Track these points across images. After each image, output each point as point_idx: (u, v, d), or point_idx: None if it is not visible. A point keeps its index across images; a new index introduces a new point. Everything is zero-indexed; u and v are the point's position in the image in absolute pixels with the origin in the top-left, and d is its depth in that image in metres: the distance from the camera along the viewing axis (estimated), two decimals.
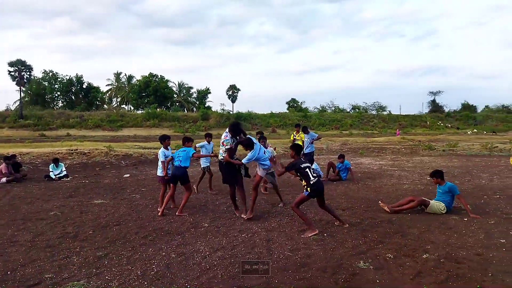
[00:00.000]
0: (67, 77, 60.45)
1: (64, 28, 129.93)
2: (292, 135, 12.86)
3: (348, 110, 65.60)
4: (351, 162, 13.62)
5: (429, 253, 4.68)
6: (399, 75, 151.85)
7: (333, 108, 66.31)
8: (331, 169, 11.24)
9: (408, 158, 17.76)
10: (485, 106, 75.36)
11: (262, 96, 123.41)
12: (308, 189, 5.57)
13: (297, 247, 4.97)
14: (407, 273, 4.09)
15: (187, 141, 7.25)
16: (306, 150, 11.04)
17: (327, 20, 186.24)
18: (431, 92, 72.58)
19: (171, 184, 7.15)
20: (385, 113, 62.47)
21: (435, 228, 5.81)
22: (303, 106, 67.76)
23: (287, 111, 59.80)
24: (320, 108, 66.66)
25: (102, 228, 6.04)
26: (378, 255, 4.65)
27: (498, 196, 8.22)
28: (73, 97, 61.79)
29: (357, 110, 64.35)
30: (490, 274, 4.01)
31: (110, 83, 73.97)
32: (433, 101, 71.66)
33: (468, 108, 68.69)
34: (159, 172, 7.45)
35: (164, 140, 7.49)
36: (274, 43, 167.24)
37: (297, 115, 53.26)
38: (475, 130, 45.47)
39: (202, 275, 4.11)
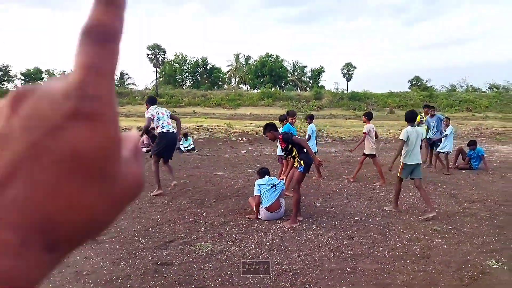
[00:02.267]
0: (194, 59, 66.42)
1: (194, 12, 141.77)
2: (419, 116, 11.43)
3: (484, 90, 57.00)
4: (485, 149, 11.96)
5: None
6: None
7: (465, 87, 58.46)
8: (460, 156, 10.08)
9: None
10: None
11: (380, 74, 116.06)
12: (302, 162, 5.04)
13: (417, 237, 4.67)
14: None
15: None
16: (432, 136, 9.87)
17: None
18: None
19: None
20: None
21: None
22: (428, 84, 61.42)
23: (409, 90, 55.01)
24: (449, 87, 59.47)
25: (223, 198, 6.63)
26: None
27: None
28: (198, 77, 67.80)
29: (495, 89, 55.42)
30: None
31: (230, 64, 78.64)
32: None
33: None
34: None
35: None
36: (399, 14, 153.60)
37: (421, 95, 48.57)
38: None
39: (314, 252, 4.21)
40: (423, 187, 5.77)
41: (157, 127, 6.58)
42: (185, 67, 67.84)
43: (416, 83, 61.67)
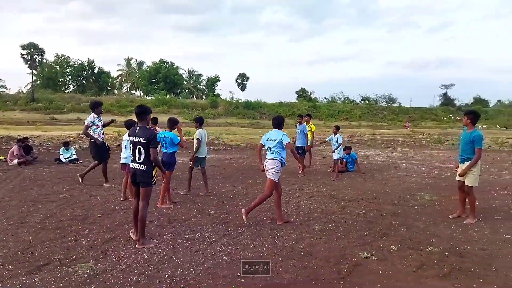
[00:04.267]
0: (79, 61, 60.79)
1: (78, 12, 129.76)
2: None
3: (358, 101, 64.91)
4: (359, 153, 13.57)
5: (433, 246, 4.69)
6: (412, 67, 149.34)
7: (343, 99, 65.68)
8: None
9: (417, 151, 17.62)
10: (498, 100, 73.94)
11: (271, 85, 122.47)
12: None
13: (302, 237, 5.01)
14: (410, 265, 4.11)
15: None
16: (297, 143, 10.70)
17: (342, 9, 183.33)
18: (443, 85, 71.24)
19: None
20: (395, 105, 61.57)
21: (440, 222, 5.81)
22: (313, 96, 67.22)
23: (296, 101, 59.42)
24: (330, 99, 66.09)
25: (110, 212, 6.15)
26: (382, 246, 4.67)
27: (506, 191, 8.16)
28: (84, 81, 62.18)
29: (366, 101, 63.63)
30: (493, 269, 4.01)
31: (120, 68, 74.19)
32: (445, 94, 70.45)
33: (479, 102, 67.38)
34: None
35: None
36: (287, 31, 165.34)
37: (306, 105, 52.92)
38: (483, 126, 44.63)
39: (207, 260, 4.18)
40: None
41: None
42: (67, 70, 61.60)
43: (302, 94, 66.98)
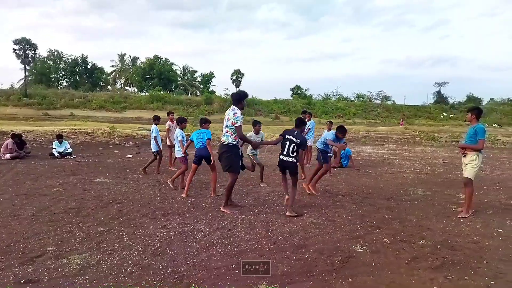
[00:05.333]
0: (72, 57, 60.29)
1: (73, 7, 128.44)
2: None
3: (352, 99, 65.18)
4: (353, 150, 13.63)
5: (425, 239, 4.74)
6: (406, 65, 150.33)
7: (337, 96, 65.90)
8: (333, 156, 11.26)
9: (410, 148, 17.74)
10: (490, 98, 74.65)
11: (266, 82, 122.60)
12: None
13: (296, 230, 5.04)
14: (403, 257, 4.15)
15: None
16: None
17: (339, 8, 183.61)
18: (437, 83, 71.87)
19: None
20: (389, 103, 61.98)
21: (433, 215, 5.86)
22: (307, 93, 67.38)
23: (291, 98, 59.51)
24: (324, 96, 66.27)
25: (104, 205, 6.13)
26: (375, 239, 4.71)
27: (498, 187, 8.25)
28: (77, 77, 61.68)
29: (361, 99, 63.92)
30: (485, 262, 4.06)
31: (114, 64, 73.67)
32: (438, 92, 71.04)
33: (472, 100, 67.96)
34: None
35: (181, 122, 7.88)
36: (283, 29, 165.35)
37: (301, 102, 53.01)
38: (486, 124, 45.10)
39: (201, 252, 4.19)
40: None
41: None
42: (61, 65, 61.06)
43: (297, 91, 67.05)
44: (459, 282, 3.55)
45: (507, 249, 4.42)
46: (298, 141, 5.87)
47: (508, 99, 71.34)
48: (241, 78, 70.08)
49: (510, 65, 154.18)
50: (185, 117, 8.58)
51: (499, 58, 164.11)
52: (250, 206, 6.25)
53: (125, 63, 73.93)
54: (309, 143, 11.02)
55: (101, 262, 3.86)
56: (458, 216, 5.82)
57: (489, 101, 73.70)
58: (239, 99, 5.95)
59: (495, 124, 45.59)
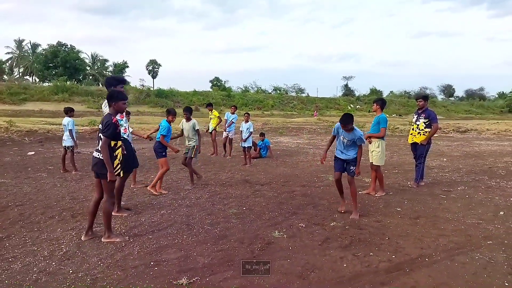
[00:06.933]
0: None
1: None
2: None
3: (270, 91, 67.13)
4: (271, 140, 14.09)
5: (336, 221, 5.13)
6: (317, 60, 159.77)
7: (256, 89, 67.28)
8: (252, 147, 11.52)
9: (323, 138, 18.95)
10: (390, 91, 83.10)
11: (185, 73, 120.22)
12: None
13: (217, 221, 5.06)
14: (317, 239, 4.44)
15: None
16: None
17: (254, 1, 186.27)
18: (344, 77, 77.92)
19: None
20: (303, 95, 65.19)
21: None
22: (227, 85, 67.57)
23: (211, 90, 59.11)
24: (243, 88, 67.15)
25: (1, 209, 5.45)
26: (292, 225, 4.96)
27: (396, 170, 9.25)
28: None
29: (278, 91, 66.16)
30: (387, 238, 4.53)
31: (10, 51, 65.34)
32: (346, 85, 77.04)
33: (375, 92, 74.89)
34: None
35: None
36: (200, 19, 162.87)
37: (221, 94, 52.99)
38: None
39: (116, 252, 3.97)
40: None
41: None
42: None
43: (216, 83, 66.89)
44: (365, 258, 3.92)
45: (404, 226, 5.00)
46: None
47: (405, 91, 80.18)
48: (158, 68, 67.58)
49: (406, 61, 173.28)
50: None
51: (396, 55, 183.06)
52: (170, 201, 6.10)
53: (23, 50, 66.05)
54: (230, 135, 11.31)
55: (0, 271, 3.44)
56: (376, 194, 6.49)
57: (389, 93, 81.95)
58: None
59: (394, 114, 50.81)
